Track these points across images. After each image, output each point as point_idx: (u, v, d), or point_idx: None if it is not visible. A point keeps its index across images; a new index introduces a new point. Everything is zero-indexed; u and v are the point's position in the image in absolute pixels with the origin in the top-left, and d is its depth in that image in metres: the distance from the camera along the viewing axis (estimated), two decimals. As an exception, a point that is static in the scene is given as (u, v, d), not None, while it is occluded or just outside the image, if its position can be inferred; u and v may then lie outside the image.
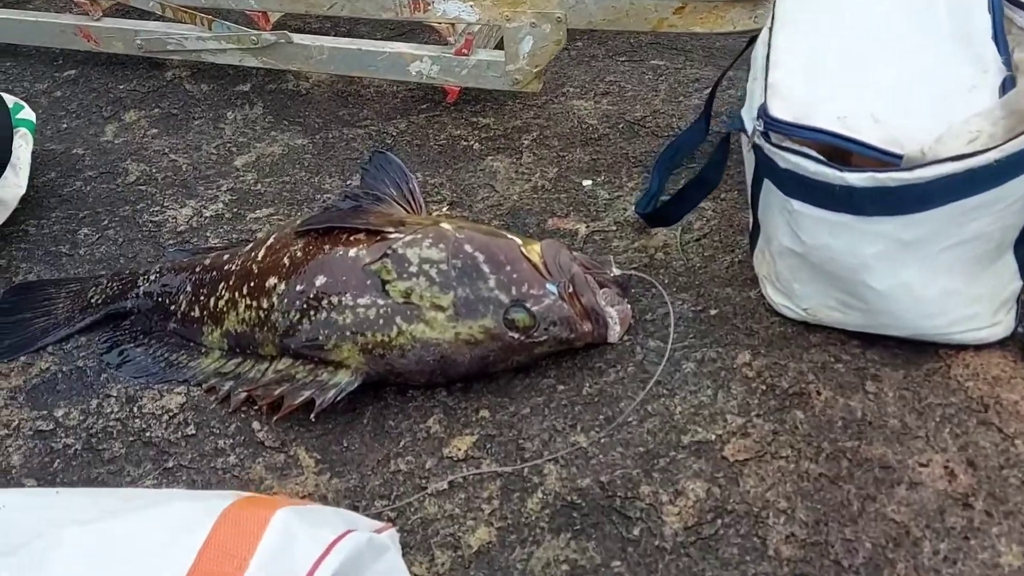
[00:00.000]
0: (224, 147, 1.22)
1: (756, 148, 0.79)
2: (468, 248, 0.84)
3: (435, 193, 1.12)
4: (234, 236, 1.07)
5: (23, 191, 1.05)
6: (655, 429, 0.79)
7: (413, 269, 0.83)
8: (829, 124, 0.75)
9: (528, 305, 0.81)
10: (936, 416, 0.76)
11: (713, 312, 0.89)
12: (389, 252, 0.84)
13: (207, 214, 1.10)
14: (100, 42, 1.33)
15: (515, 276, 0.82)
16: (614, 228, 1.03)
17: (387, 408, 0.85)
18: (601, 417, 0.80)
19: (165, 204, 1.12)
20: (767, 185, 0.81)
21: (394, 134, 1.23)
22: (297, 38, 1.24)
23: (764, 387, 0.80)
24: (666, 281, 0.94)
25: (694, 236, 0.99)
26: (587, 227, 1.04)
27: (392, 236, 0.86)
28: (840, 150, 0.76)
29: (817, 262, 0.78)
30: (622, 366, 0.85)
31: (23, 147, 1.06)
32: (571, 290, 0.82)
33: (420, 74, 1.22)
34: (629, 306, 0.86)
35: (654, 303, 0.91)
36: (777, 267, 0.83)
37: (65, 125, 1.28)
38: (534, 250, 0.85)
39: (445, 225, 0.86)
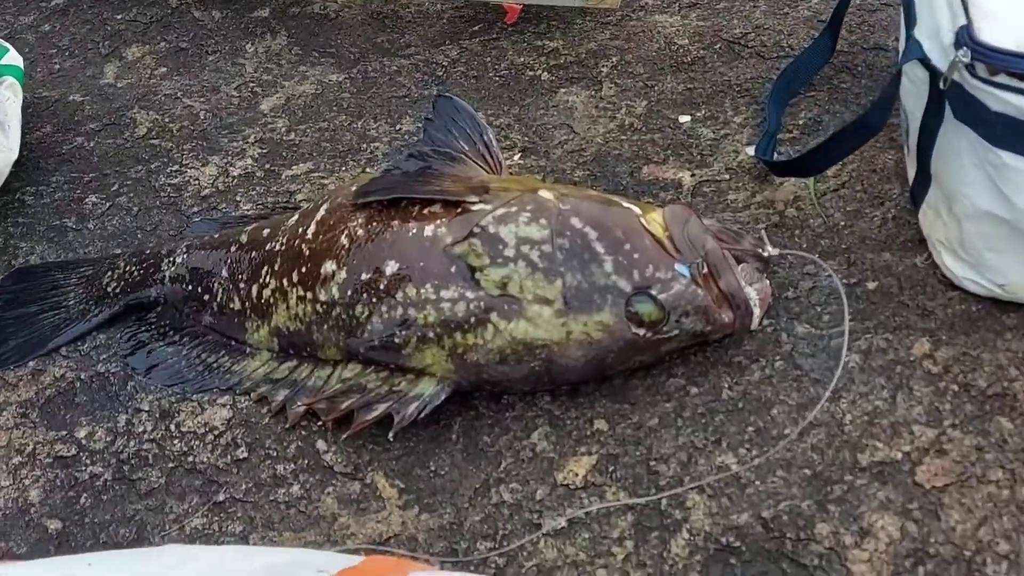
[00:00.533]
0: (246, 87, 1.03)
1: (950, 85, 0.61)
2: (576, 222, 0.67)
3: (502, 137, 0.94)
4: (269, 199, 0.90)
5: (15, 155, 0.87)
6: (822, 445, 0.63)
7: (509, 252, 0.66)
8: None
9: (655, 293, 0.65)
10: None
11: (872, 285, 0.72)
12: (477, 230, 0.67)
13: (234, 173, 0.93)
14: (89, -36, 1.13)
15: (636, 256, 0.66)
16: (726, 177, 0.86)
17: (479, 419, 0.70)
18: (750, 429, 0.65)
19: (184, 162, 0.94)
20: (955, 131, 0.64)
21: (445, 64, 1.04)
22: (324, -49, 1.04)
23: (956, 387, 0.65)
24: (804, 246, 0.77)
25: (830, 185, 0.82)
26: (692, 176, 0.87)
27: (476, 208, 0.69)
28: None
29: (1031, 230, 0.61)
30: (766, 360, 0.69)
31: (11, 101, 0.88)
32: (706, 270, 0.66)
33: (473, -9, 1.02)
34: (768, 282, 0.70)
35: (793, 274, 0.75)
36: (964, 233, 0.66)
37: (58, 66, 1.09)
38: (656, 220, 0.68)
39: (544, 193, 0.69)
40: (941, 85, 0.61)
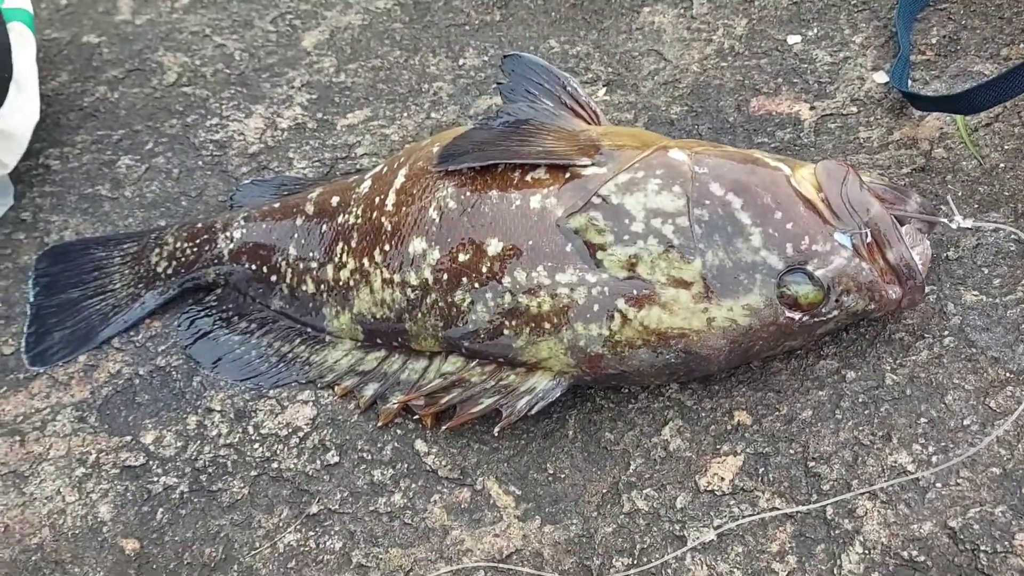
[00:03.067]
0: (283, 20, 0.90)
1: None
2: (716, 189, 0.56)
3: (582, 70, 0.82)
4: (327, 155, 0.79)
5: (37, 116, 0.76)
6: (1011, 439, 0.55)
7: (638, 227, 0.56)
8: None
9: (812, 269, 0.55)
10: None
11: (1047, 237, 0.63)
12: (596, 201, 0.57)
13: (283, 124, 0.82)
14: None
15: (789, 226, 0.55)
16: (854, 110, 0.74)
17: (598, 412, 0.61)
18: (923, 421, 0.56)
19: (224, 114, 0.83)
20: None
21: (507, -16, 0.91)
22: None
23: None
24: (960, 194, 0.66)
25: (981, 119, 0.70)
26: (812, 108, 0.75)
27: (589, 171, 0.59)
28: None
29: None
30: (933, 336, 0.60)
31: (25, 50, 0.76)
32: (870, 239, 0.56)
33: None
34: (929, 243, 0.60)
35: (948, 231, 0.65)
36: None
37: (64, 1, 0.96)
38: (807, 179, 0.58)
39: (676, 153, 0.58)
40: None
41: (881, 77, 0.76)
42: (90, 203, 0.78)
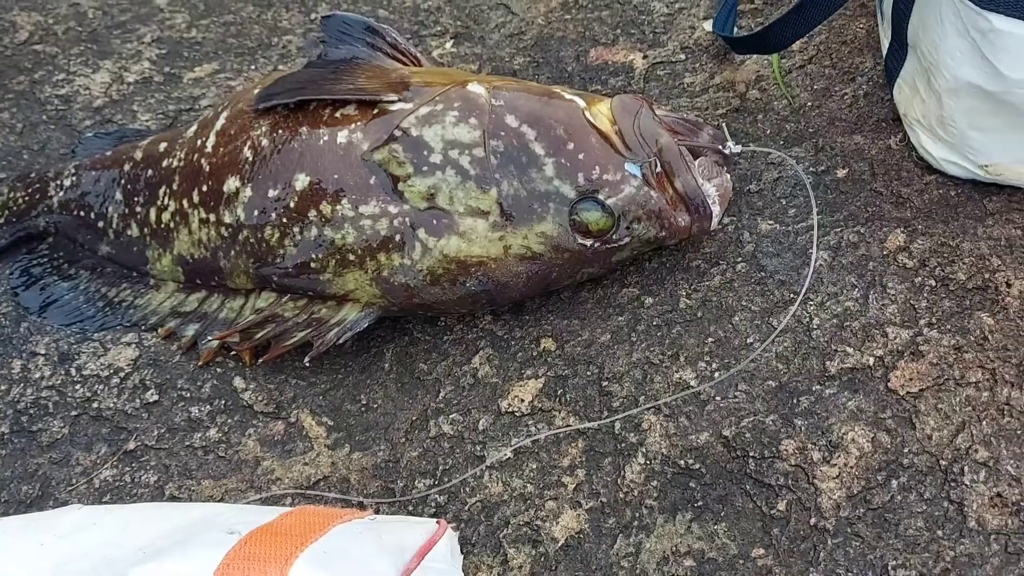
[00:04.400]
0: (139, -21, 0.91)
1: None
2: (511, 121, 0.58)
3: (431, 23, 0.84)
4: (171, 108, 0.79)
5: None
6: (787, 354, 0.58)
7: (436, 158, 0.58)
8: None
9: (603, 197, 0.57)
10: None
11: (841, 173, 0.65)
12: (398, 134, 0.59)
13: (129, 79, 0.82)
14: None
15: (581, 157, 0.58)
16: (682, 57, 0.77)
17: (414, 345, 0.63)
18: (710, 341, 0.59)
19: (72, 69, 0.83)
20: (936, -10, 0.56)
21: (363, -59, 0.92)
22: None
23: (933, 281, 0.59)
24: (768, 132, 0.69)
25: (795, 62, 0.73)
26: (644, 57, 0.78)
27: (396, 107, 0.60)
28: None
29: (1021, 104, 0.54)
30: (727, 263, 0.62)
31: None
32: (660, 169, 0.58)
33: None
34: (729, 176, 0.63)
35: (756, 164, 0.67)
36: (944, 109, 0.59)
37: (-79, -37, 0.95)
38: (603, 112, 0.60)
39: (474, 87, 0.60)
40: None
41: (709, 25, 0.78)
42: (-71, 158, 0.78)
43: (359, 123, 0.60)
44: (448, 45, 0.83)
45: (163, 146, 0.68)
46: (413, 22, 0.84)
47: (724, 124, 0.64)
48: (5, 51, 0.85)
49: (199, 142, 0.66)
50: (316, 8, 0.86)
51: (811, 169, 0.66)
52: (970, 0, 0.53)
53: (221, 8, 0.87)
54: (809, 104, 0.70)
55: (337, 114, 0.61)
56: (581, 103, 0.60)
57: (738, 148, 0.60)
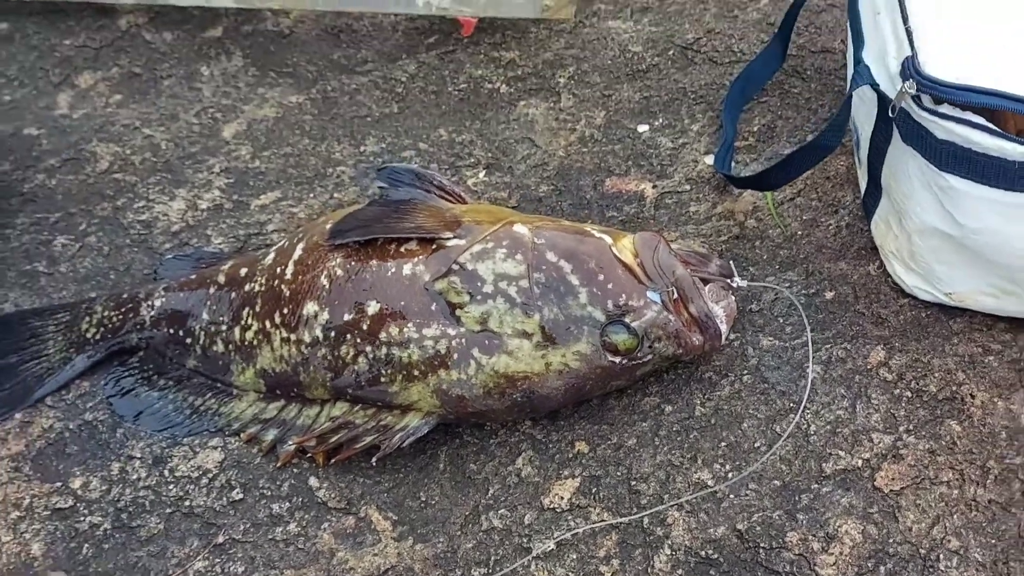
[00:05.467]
0: (206, 113, 1.03)
1: (898, 113, 0.65)
2: (551, 256, 0.69)
3: (466, 155, 0.96)
4: (241, 232, 0.90)
5: (-22, 204, 0.87)
6: (790, 456, 0.68)
7: (488, 289, 0.69)
8: (993, 79, 0.60)
9: (628, 321, 0.68)
10: (1116, 417, 0.66)
11: (829, 295, 0.76)
12: (455, 268, 0.70)
13: (203, 206, 0.93)
14: (33, -12, 1.11)
15: (610, 286, 0.69)
16: (687, 188, 0.89)
17: (464, 447, 0.73)
18: (723, 445, 0.69)
19: (151, 197, 0.94)
20: (903, 152, 0.67)
21: (404, 80, 1.04)
22: (276, -30, 1.03)
23: (909, 393, 0.69)
24: (764, 257, 0.81)
25: (786, 195, 0.85)
26: (654, 187, 0.89)
27: (452, 243, 0.71)
28: (988, 110, 0.62)
29: (976, 247, 0.65)
30: (735, 375, 0.73)
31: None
32: (676, 296, 0.69)
33: (429, 5, 1.02)
34: (734, 299, 0.73)
35: (756, 286, 0.78)
36: (914, 246, 0.70)
37: (8, 97, 1.07)
38: (627, 247, 0.71)
39: (519, 228, 0.71)
40: (890, 113, 0.65)
41: (711, 160, 0.90)
42: (28, 278, 0.88)
43: (421, 257, 0.71)
44: (481, 175, 0.94)
45: (244, 271, 0.79)
46: (450, 154, 0.96)
47: (731, 260, 0.75)
48: (88, 180, 0.97)
49: (278, 270, 0.76)
50: (364, 141, 0.98)
51: (803, 292, 0.77)
52: (929, 162, 0.64)
53: (280, 141, 0.99)
54: (799, 233, 0.82)
55: (402, 249, 0.72)
56: (608, 240, 0.71)
57: (744, 283, 0.71)
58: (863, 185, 0.78)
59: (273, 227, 0.91)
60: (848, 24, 0.78)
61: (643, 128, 0.96)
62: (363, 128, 1.00)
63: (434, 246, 0.72)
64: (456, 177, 0.94)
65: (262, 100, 1.04)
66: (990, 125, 0.60)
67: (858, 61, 0.70)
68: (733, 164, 0.89)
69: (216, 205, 0.93)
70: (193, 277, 0.81)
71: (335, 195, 0.94)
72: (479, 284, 0.69)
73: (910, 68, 0.62)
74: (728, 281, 0.70)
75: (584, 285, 0.69)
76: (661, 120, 0.96)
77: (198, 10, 1.11)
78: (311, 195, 0.94)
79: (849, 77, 0.75)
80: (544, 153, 0.95)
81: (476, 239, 0.71)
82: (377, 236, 0.73)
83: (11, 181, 0.97)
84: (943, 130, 0.62)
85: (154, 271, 0.88)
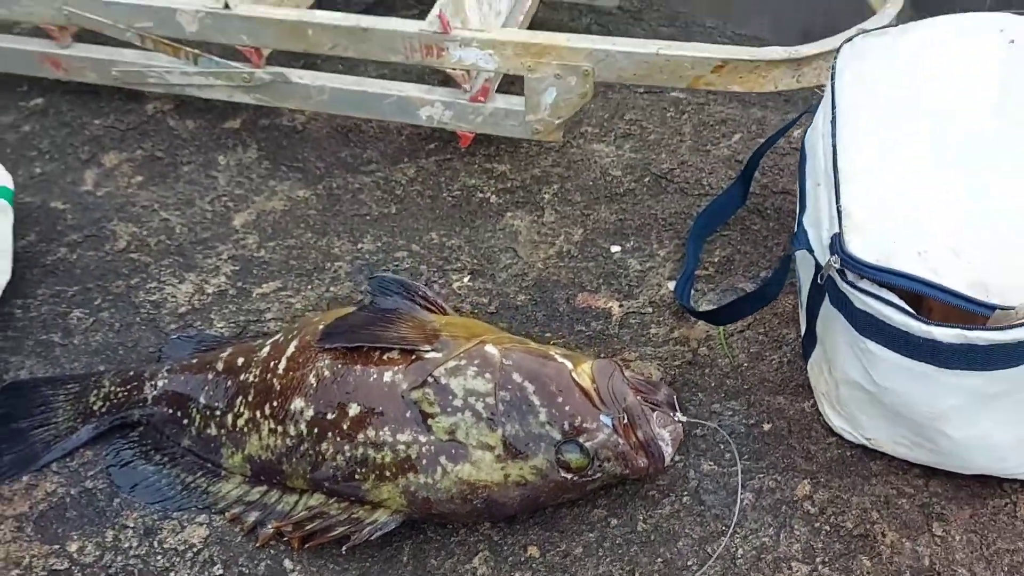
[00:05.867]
0: (219, 201, 1.12)
1: (826, 280, 0.74)
2: (517, 377, 0.78)
3: (454, 259, 1.05)
4: (241, 318, 0.99)
5: (8, 276, 0.95)
6: (717, 576, 0.76)
7: (458, 403, 0.77)
8: (911, 263, 0.70)
9: (582, 441, 0.76)
10: (1004, 565, 0.74)
11: (767, 427, 0.85)
12: (430, 380, 0.78)
13: (209, 291, 1.02)
14: (70, 70, 1.21)
15: (567, 408, 0.77)
16: (650, 310, 0.97)
17: (427, 543, 0.80)
18: (659, 561, 0.77)
19: (162, 279, 1.03)
20: (831, 311, 0.76)
21: (403, 182, 1.14)
22: (295, 75, 1.13)
23: (828, 527, 0.77)
24: (712, 384, 0.89)
25: (737, 327, 0.94)
26: (620, 306, 0.98)
27: (429, 355, 0.80)
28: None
29: (890, 403, 0.74)
30: (676, 495, 0.81)
31: (5, 221, 0.95)
32: (626, 421, 0.77)
33: (431, 119, 1.13)
34: (680, 425, 0.82)
35: (702, 412, 0.87)
36: (840, 394, 0.79)
37: (39, 169, 1.16)
38: (585, 372, 0.79)
39: (490, 348, 0.80)
40: (818, 279, 0.74)
41: (673, 285, 0.99)
42: (44, 348, 0.96)
43: (401, 366, 0.79)
44: (466, 279, 1.03)
45: (240, 360, 0.87)
46: (439, 258, 1.05)
47: (675, 395, 0.83)
48: (107, 257, 1.05)
49: (272, 363, 0.84)
50: (362, 239, 1.07)
51: (743, 421, 0.85)
52: (851, 326, 0.73)
53: (285, 233, 1.08)
54: (745, 365, 0.90)
55: (385, 357, 0.80)
56: (569, 365, 0.80)
57: (684, 419, 0.79)
58: (803, 328, 0.87)
59: (271, 316, 0.99)
60: (797, 184, 0.88)
61: (615, 249, 1.05)
62: (362, 226, 1.09)
63: (414, 357, 0.80)
64: (443, 279, 1.03)
65: (272, 192, 1.13)
66: (900, 303, 0.69)
67: (799, 224, 0.79)
68: (693, 292, 0.99)
69: (221, 291, 1.02)
70: (195, 361, 0.90)
71: (331, 288, 1.02)
72: (450, 397, 0.77)
73: (837, 245, 0.71)
74: (671, 414, 0.79)
75: (544, 405, 0.77)
76: (632, 243, 1.05)
77: (220, 103, 1.22)
78: (309, 287, 1.02)
79: (792, 237, 0.84)
80: (525, 264, 1.04)
81: (451, 355, 0.79)
82: (363, 344, 0.81)
83: (36, 252, 1.05)
84: (861, 302, 0.71)
85: (159, 350, 0.96)
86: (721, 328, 0.93)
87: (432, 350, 0.80)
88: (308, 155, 1.18)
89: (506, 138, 1.17)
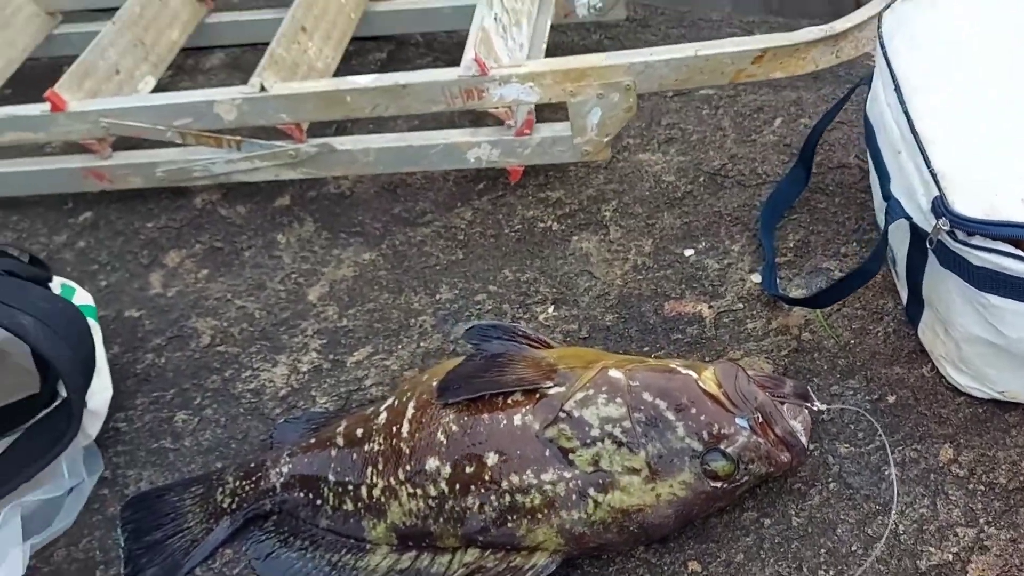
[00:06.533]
0: (290, 279, 1.13)
1: (936, 243, 0.74)
2: (647, 396, 0.78)
3: (533, 292, 1.05)
4: (342, 390, 0.99)
5: (111, 392, 0.95)
6: (886, 557, 0.75)
7: (595, 432, 0.77)
8: (1018, 211, 0.70)
9: (724, 447, 0.76)
10: None
11: (891, 399, 0.85)
12: (562, 415, 0.78)
13: (304, 369, 1.02)
14: (115, 180, 1.22)
15: (703, 418, 0.77)
16: (740, 306, 0.98)
17: (585, 574, 0.80)
18: (823, 552, 0.77)
19: (255, 366, 1.03)
20: (941, 272, 0.77)
21: (463, 227, 1.15)
22: (338, 143, 1.14)
23: (982, 487, 0.77)
24: (825, 368, 0.89)
25: (833, 307, 0.95)
26: (710, 307, 0.99)
27: (553, 391, 0.80)
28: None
29: (1020, 352, 0.75)
30: (822, 483, 0.81)
31: (96, 341, 0.96)
32: (761, 419, 0.78)
33: (479, 160, 1.14)
34: (807, 412, 0.82)
35: (823, 396, 0.87)
36: (963, 352, 0.79)
37: (104, 282, 1.17)
38: (710, 379, 0.80)
39: (613, 373, 0.80)
40: (928, 245, 0.75)
41: (756, 278, 1.00)
42: (157, 456, 0.96)
43: (528, 407, 0.80)
44: (550, 310, 1.04)
45: (360, 432, 0.87)
46: (518, 293, 1.06)
47: (808, 385, 0.83)
48: (195, 355, 1.06)
49: (394, 428, 0.85)
50: (438, 289, 1.08)
51: (867, 398, 0.86)
52: (969, 284, 0.74)
53: (362, 298, 1.09)
54: (852, 342, 0.91)
55: (508, 401, 0.81)
56: (693, 374, 0.80)
57: (823, 407, 0.79)
58: (903, 296, 0.88)
59: (371, 381, 1.00)
60: (869, 157, 0.89)
61: (689, 252, 1.06)
62: (434, 276, 1.10)
63: (537, 395, 0.80)
64: (528, 314, 1.04)
65: (338, 261, 1.14)
66: (1018, 252, 0.69)
67: (887, 196, 0.80)
68: (779, 280, 0.99)
69: (315, 366, 1.02)
70: (313, 441, 0.90)
71: (421, 344, 1.03)
72: (587, 429, 0.77)
73: (941, 207, 0.72)
74: (809, 406, 0.79)
75: (680, 420, 0.77)
76: (704, 243, 1.06)
77: (265, 183, 1.23)
78: (399, 346, 1.03)
79: (878, 207, 0.85)
80: (603, 284, 1.05)
81: (576, 386, 0.80)
82: (485, 392, 0.82)
83: (124, 363, 1.06)
84: (978, 258, 0.71)
85: (269, 436, 0.96)
86: (818, 311, 0.93)
87: (554, 385, 0.81)
88: (363, 218, 1.19)
89: (554, 165, 1.18)
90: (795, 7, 1.94)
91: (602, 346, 0.98)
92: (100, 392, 0.93)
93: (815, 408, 0.79)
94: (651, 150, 1.19)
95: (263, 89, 1.10)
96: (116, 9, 1.32)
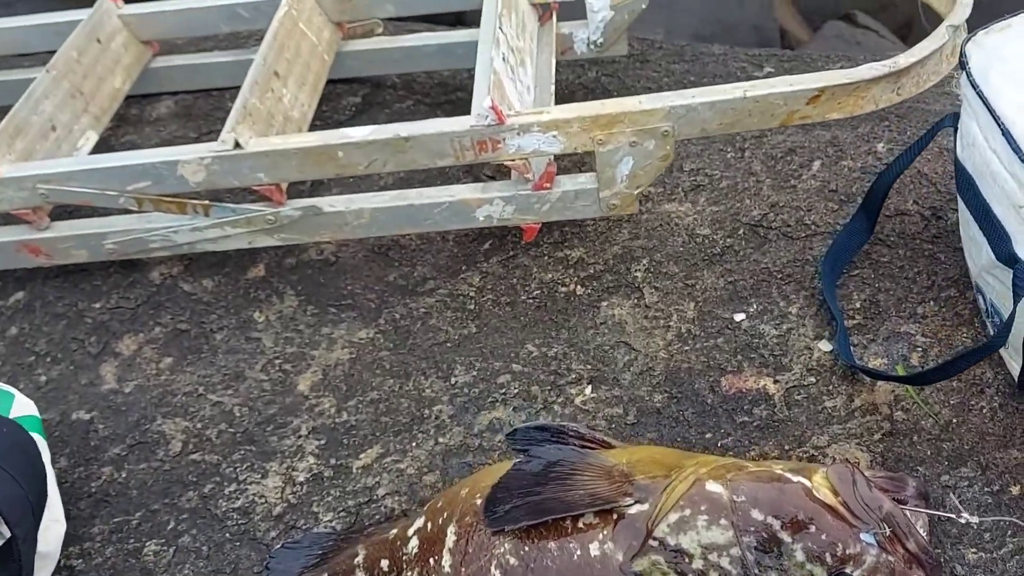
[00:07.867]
0: (273, 367, 0.95)
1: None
2: (757, 515, 0.64)
3: (564, 370, 0.91)
4: (350, 503, 0.82)
5: (64, 526, 0.76)
6: None
7: (698, 564, 0.63)
8: None
9: (849, 572, 0.63)
10: None
11: (1015, 491, 0.73)
12: (653, 544, 0.63)
13: (300, 478, 0.85)
14: (54, 255, 1.03)
15: (823, 537, 0.63)
16: (812, 380, 0.85)
17: None
18: None
19: (240, 478, 0.85)
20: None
21: (473, 295, 1.00)
22: (326, 204, 0.98)
23: None
24: (929, 454, 0.77)
25: (922, 378, 0.83)
26: (776, 382, 0.86)
27: (634, 510, 0.65)
28: None
29: None
30: (954, 600, 0.68)
31: (45, 461, 0.77)
32: (889, 533, 0.64)
33: (490, 218, 0.99)
34: (925, 515, 0.69)
35: (932, 488, 0.74)
36: (1107, 436, 0.68)
37: (44, 377, 0.98)
38: (823, 485, 0.66)
39: (712, 486, 0.66)
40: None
41: (825, 345, 0.88)
42: (124, 603, 0.78)
43: (604, 531, 0.65)
44: (588, 391, 0.89)
45: (385, 563, 0.71)
46: (547, 372, 0.91)
47: (953, 495, 0.71)
48: (164, 466, 0.87)
49: (432, 561, 0.68)
50: (452, 371, 0.92)
51: (986, 489, 0.73)
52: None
53: (363, 386, 0.92)
54: (954, 420, 0.79)
55: (579, 524, 0.66)
56: (806, 482, 0.66)
57: (975, 519, 0.67)
58: (1015, 367, 0.76)
59: (384, 491, 0.83)
60: (970, 216, 0.77)
61: (740, 316, 0.93)
62: (446, 355, 0.94)
63: (615, 516, 0.65)
64: (562, 397, 0.89)
65: (330, 341, 0.97)
66: None
67: (1015, 260, 0.69)
68: (852, 349, 0.87)
69: (314, 475, 0.85)
70: (325, 574, 0.73)
71: (439, 440, 0.87)
72: (687, 560, 0.63)
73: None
74: (955, 517, 0.66)
75: (797, 541, 0.63)
76: (755, 306, 0.93)
77: (234, 252, 1.05)
78: (414, 444, 0.87)
79: (980, 266, 0.74)
80: (645, 357, 0.91)
81: (667, 504, 0.65)
82: (548, 518, 0.67)
83: (74, 480, 0.87)
84: None
85: (265, 567, 0.78)
86: (909, 386, 0.81)
87: (635, 502, 0.66)
88: (353, 288, 1.03)
89: (568, 220, 1.05)
90: (725, 37, 1.88)
91: (655, 433, 0.84)
92: (50, 526, 0.74)
93: (962, 520, 0.66)
94: (677, 199, 1.07)
95: (238, 146, 0.93)
96: (50, 54, 1.14)
